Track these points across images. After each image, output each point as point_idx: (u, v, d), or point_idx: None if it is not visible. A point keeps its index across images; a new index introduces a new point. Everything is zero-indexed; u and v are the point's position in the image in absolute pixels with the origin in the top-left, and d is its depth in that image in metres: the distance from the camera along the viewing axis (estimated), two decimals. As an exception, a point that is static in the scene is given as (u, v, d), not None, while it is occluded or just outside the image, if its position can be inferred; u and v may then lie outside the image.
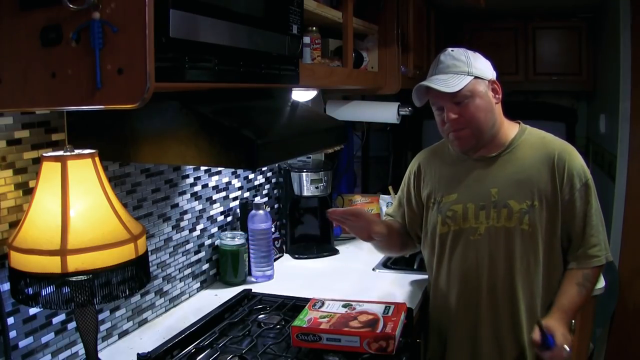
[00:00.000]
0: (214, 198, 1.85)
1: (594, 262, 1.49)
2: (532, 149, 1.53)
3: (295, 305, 1.56)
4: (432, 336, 1.64)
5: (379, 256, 2.14)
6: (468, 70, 1.46)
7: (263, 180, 2.18)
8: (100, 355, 1.22)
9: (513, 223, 1.48)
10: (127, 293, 1.06)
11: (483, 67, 1.50)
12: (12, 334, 1.13)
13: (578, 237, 1.49)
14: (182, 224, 1.68)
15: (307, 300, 1.50)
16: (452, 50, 1.51)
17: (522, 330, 1.49)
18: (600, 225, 1.50)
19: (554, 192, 1.48)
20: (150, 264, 1.40)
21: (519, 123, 1.60)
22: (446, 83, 1.44)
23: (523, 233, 1.48)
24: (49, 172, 1.01)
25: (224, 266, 1.84)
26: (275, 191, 2.28)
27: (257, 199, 1.96)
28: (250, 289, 1.72)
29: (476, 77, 1.46)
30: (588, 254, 1.49)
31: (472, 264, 1.52)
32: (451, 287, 1.57)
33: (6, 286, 1.09)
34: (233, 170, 1.94)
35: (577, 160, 1.50)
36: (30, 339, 1.18)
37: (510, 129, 1.56)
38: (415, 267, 2.18)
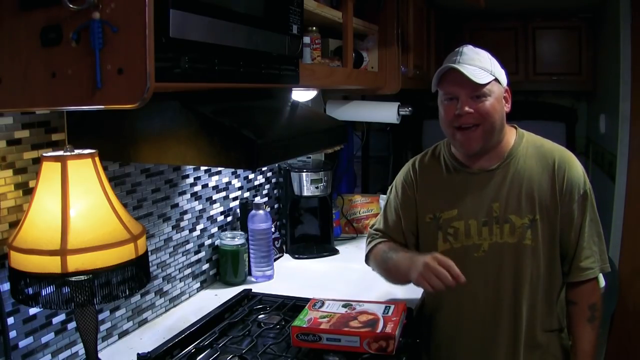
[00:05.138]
0: (214, 198, 1.85)
1: (587, 274, 1.45)
2: (531, 159, 1.49)
3: (295, 305, 1.56)
4: (432, 342, 1.61)
5: (379, 256, 2.14)
6: (491, 70, 1.44)
7: (263, 180, 2.18)
8: (100, 355, 1.22)
9: (516, 238, 1.45)
10: (127, 293, 1.06)
11: (501, 73, 1.48)
12: (12, 334, 1.13)
13: (571, 249, 1.46)
14: (182, 224, 1.68)
15: (307, 300, 1.50)
16: (474, 46, 1.48)
17: (520, 342, 1.46)
18: (595, 236, 1.46)
19: (553, 202, 1.45)
20: (150, 264, 1.40)
21: (515, 127, 1.56)
22: (473, 74, 1.40)
23: (526, 248, 1.44)
24: (49, 172, 1.01)
25: (224, 266, 1.84)
26: (275, 191, 2.28)
27: (257, 199, 1.96)
28: (250, 289, 1.72)
29: (496, 80, 1.44)
30: (581, 266, 1.45)
31: (478, 281, 1.47)
32: (453, 303, 1.52)
33: (6, 286, 1.09)
34: (233, 170, 1.94)
35: (575, 168, 1.47)
36: (30, 339, 1.18)
37: (509, 137, 1.52)
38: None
